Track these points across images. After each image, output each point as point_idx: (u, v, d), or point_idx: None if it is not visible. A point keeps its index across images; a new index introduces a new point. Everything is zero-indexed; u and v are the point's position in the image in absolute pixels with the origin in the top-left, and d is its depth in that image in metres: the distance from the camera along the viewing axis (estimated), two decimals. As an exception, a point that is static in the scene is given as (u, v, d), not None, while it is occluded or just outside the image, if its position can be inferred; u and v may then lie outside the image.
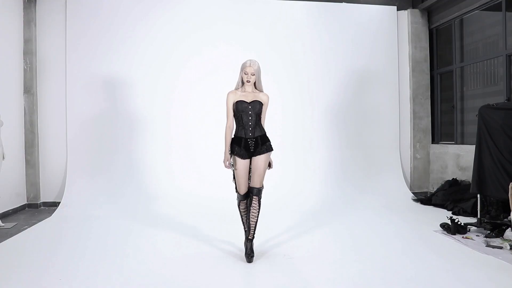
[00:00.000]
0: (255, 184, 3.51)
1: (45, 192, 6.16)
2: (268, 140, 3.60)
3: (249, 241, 3.52)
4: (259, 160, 3.50)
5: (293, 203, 5.79)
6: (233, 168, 3.55)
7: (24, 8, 6.00)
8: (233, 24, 6.43)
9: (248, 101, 3.53)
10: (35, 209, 6.00)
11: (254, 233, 3.55)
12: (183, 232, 4.48)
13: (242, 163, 3.51)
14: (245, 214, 3.62)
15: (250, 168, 3.57)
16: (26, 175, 6.04)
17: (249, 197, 3.53)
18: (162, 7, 6.32)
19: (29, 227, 4.81)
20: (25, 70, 6.02)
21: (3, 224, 4.86)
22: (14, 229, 4.68)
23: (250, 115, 3.52)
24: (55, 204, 5.91)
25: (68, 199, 5.83)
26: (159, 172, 6.18)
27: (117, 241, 4.18)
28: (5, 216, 5.33)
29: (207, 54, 6.35)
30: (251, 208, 3.50)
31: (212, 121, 6.31)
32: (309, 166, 6.48)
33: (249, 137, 3.52)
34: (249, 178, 3.58)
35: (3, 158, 4.85)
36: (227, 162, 3.54)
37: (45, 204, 6.12)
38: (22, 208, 5.91)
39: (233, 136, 3.61)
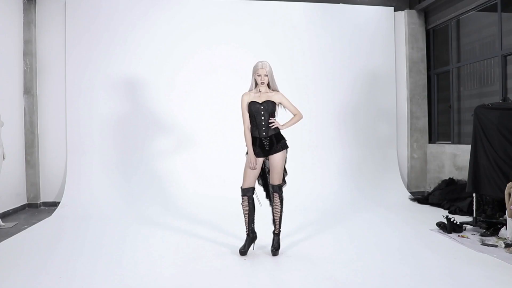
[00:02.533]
0: (274, 181, 3.65)
1: (45, 192, 6.20)
2: (283, 138, 3.70)
3: (275, 235, 3.68)
4: (276, 158, 3.61)
5: (290, 202, 5.76)
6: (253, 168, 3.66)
7: (24, 10, 6.04)
8: (232, 24, 6.47)
9: (260, 102, 3.63)
10: (35, 209, 6.03)
11: (279, 228, 3.69)
12: (182, 232, 4.52)
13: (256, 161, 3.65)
14: (246, 213, 3.68)
15: (263, 167, 3.75)
16: (26, 175, 6.07)
17: (270, 195, 3.72)
18: (160, 8, 6.35)
19: (29, 226, 4.85)
20: (25, 71, 6.06)
21: (3, 224, 4.89)
22: (14, 229, 4.72)
23: (263, 115, 3.62)
24: (55, 204, 5.94)
25: (67, 199, 5.86)
26: (158, 171, 6.21)
27: (116, 240, 4.21)
28: (5, 215, 5.36)
29: (206, 55, 6.38)
30: (273, 204, 3.68)
31: (212, 121, 6.35)
32: (307, 166, 6.51)
33: (263, 137, 3.64)
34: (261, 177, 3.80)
35: (4, 158, 4.88)
36: (252, 161, 3.60)
37: (45, 204, 6.16)
38: (22, 208, 5.94)
39: None
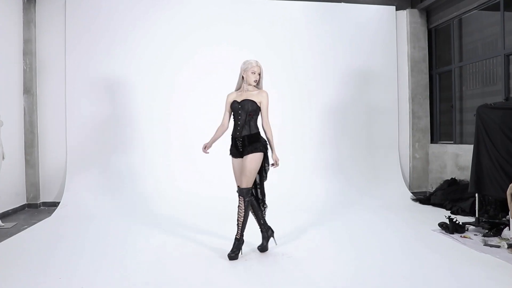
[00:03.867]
0: (241, 183, 3.54)
1: (44, 192, 6.18)
2: (258, 141, 3.54)
3: (235, 239, 3.56)
4: (246, 160, 3.50)
5: (291, 202, 5.80)
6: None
7: (23, 9, 6.02)
8: (232, 24, 6.44)
9: (239, 101, 3.58)
10: (35, 209, 6.01)
11: (240, 232, 3.53)
12: (182, 232, 4.50)
13: (234, 162, 3.64)
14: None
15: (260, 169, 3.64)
16: (25, 175, 6.05)
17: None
18: (161, 7, 6.33)
19: (28, 227, 4.83)
20: (24, 71, 6.04)
21: (3, 224, 4.88)
22: (14, 229, 4.70)
23: (240, 114, 3.57)
24: (55, 204, 5.93)
25: (67, 199, 5.84)
26: (158, 172, 6.19)
27: (116, 240, 4.19)
28: (5, 216, 5.34)
29: (206, 54, 6.36)
30: (238, 207, 3.53)
31: (211, 121, 6.29)
32: (308, 166, 6.49)
33: (237, 136, 3.57)
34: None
35: (3, 158, 4.86)
36: (205, 147, 3.80)
37: (45, 204, 6.14)
38: (21, 208, 5.92)
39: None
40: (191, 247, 3.90)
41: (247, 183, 3.49)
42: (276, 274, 3.19)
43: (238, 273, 3.20)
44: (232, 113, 3.64)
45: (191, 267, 3.34)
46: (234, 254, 3.49)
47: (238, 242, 3.54)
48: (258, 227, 3.74)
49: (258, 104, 3.57)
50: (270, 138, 3.61)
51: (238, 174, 3.61)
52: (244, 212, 3.50)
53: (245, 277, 3.14)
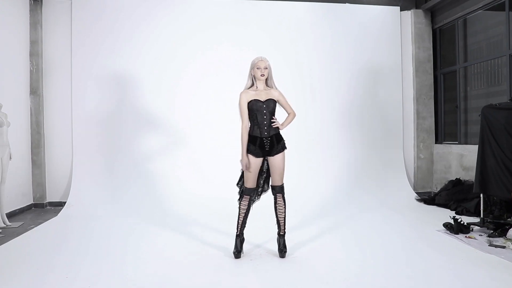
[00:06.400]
0: (276, 182, 3.59)
1: (51, 192, 6.23)
2: (283, 139, 3.64)
3: (281, 236, 3.63)
4: (277, 159, 3.55)
5: (295, 202, 5.78)
6: (248, 170, 3.54)
7: (30, 10, 6.08)
8: (237, 25, 6.47)
9: (263, 100, 3.55)
10: (41, 208, 6.07)
11: (284, 229, 3.64)
12: (186, 232, 4.53)
13: (255, 161, 3.53)
14: (243, 213, 3.60)
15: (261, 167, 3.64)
16: (32, 175, 6.11)
17: (273, 196, 3.64)
18: (165, 7, 6.37)
19: (35, 226, 4.88)
20: (31, 72, 6.09)
21: (10, 224, 4.92)
22: (21, 229, 4.75)
23: (265, 114, 3.55)
24: (61, 204, 5.97)
25: (73, 199, 5.88)
26: (163, 172, 6.22)
27: (122, 240, 4.22)
28: (12, 215, 5.40)
29: (210, 55, 6.39)
30: (277, 205, 3.62)
31: (215, 121, 6.34)
32: (312, 166, 6.49)
33: (264, 136, 3.55)
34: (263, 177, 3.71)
35: (10, 158, 4.91)
36: (244, 163, 3.52)
37: (51, 204, 6.19)
38: (28, 208, 5.97)
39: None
40: (197, 247, 3.92)
41: (281, 180, 3.60)
42: (280, 273, 3.20)
43: (242, 273, 3.22)
44: (253, 112, 3.53)
45: (197, 266, 3.36)
46: (285, 251, 3.58)
47: (284, 239, 3.63)
48: (237, 229, 3.63)
49: (277, 102, 3.64)
50: (291, 118, 3.72)
51: (256, 173, 3.57)
52: (284, 208, 3.62)
53: (249, 276, 3.15)
